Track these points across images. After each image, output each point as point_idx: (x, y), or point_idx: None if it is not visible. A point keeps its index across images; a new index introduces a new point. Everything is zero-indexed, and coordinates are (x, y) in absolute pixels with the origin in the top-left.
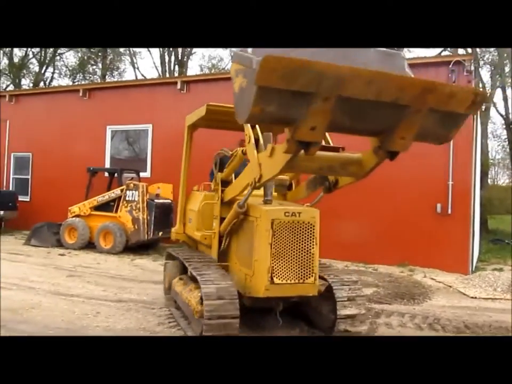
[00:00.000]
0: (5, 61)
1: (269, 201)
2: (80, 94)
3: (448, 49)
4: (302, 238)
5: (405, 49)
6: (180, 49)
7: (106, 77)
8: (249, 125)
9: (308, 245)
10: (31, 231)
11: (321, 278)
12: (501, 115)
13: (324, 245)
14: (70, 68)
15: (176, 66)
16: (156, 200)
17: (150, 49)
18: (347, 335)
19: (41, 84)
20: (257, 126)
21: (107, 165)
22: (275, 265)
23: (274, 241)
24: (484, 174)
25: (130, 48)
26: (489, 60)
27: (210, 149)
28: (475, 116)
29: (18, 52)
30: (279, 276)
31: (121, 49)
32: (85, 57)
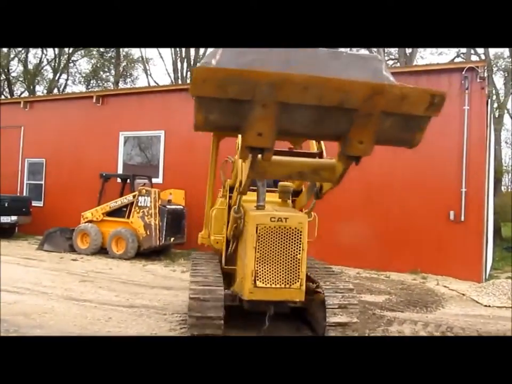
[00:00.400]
0: (20, 67)
1: (261, 206)
2: (94, 100)
3: (462, 55)
4: (288, 243)
5: (418, 56)
6: (192, 56)
7: (119, 83)
8: None
9: (294, 250)
10: (44, 236)
11: (316, 284)
12: None
13: (337, 252)
14: (84, 75)
15: (189, 73)
16: (168, 206)
17: (162, 56)
18: (345, 335)
19: (55, 91)
20: None
21: (119, 171)
22: (259, 269)
23: (258, 245)
24: (497, 181)
25: (143, 55)
26: (503, 66)
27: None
28: (488, 123)
29: (32, 59)
30: (262, 280)
31: (135, 56)
32: (98, 64)
